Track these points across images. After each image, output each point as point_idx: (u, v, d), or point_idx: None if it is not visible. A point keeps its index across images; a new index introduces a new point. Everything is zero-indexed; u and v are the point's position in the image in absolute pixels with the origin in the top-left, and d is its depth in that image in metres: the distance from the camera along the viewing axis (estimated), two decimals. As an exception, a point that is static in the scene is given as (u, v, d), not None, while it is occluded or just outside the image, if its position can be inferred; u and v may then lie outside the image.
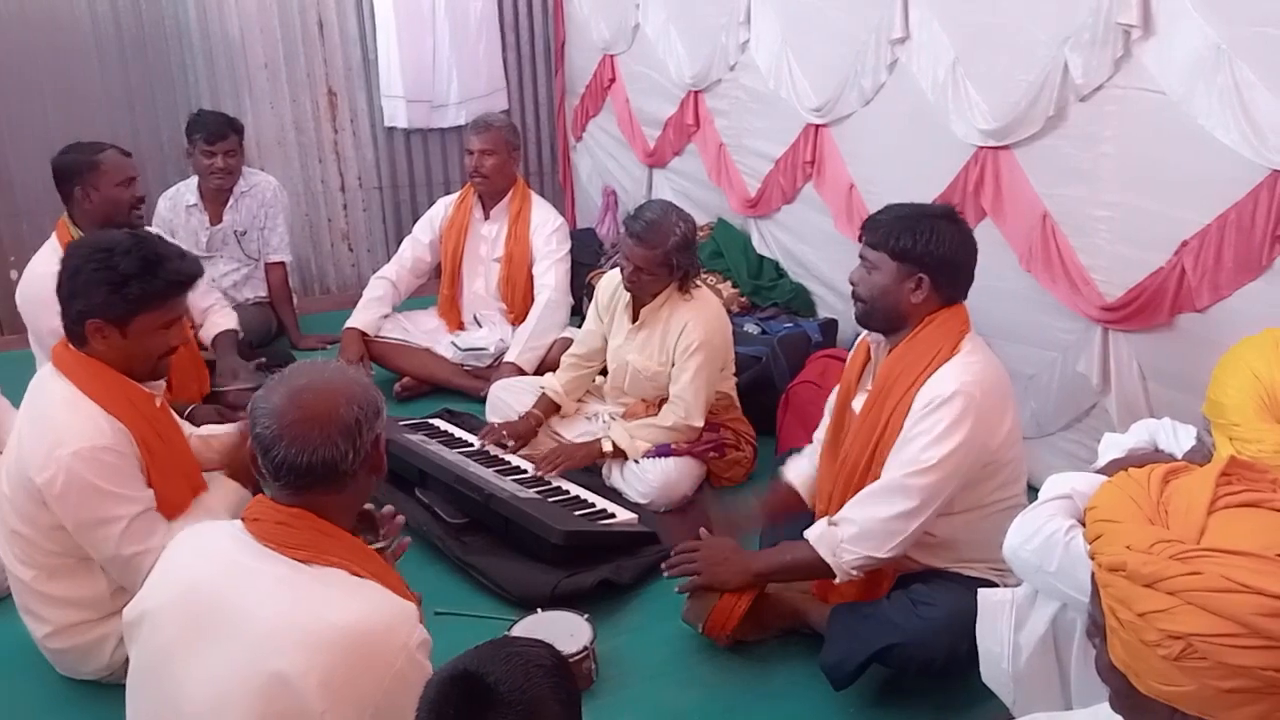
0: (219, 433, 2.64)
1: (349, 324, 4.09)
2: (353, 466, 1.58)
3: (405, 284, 4.23)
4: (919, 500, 2.16)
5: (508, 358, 3.94)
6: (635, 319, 3.29)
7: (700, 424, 3.19)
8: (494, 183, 4.05)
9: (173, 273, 2.26)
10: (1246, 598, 1.00)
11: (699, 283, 3.29)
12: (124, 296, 2.19)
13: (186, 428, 2.56)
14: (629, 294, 3.27)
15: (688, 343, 3.14)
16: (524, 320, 4.08)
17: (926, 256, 2.20)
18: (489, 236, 4.16)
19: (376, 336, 4.11)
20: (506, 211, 4.11)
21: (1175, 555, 1.05)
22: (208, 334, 3.69)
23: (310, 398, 1.57)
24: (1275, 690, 1.00)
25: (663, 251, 3.07)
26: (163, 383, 2.43)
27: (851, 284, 2.35)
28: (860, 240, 2.33)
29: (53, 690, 2.41)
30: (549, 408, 3.40)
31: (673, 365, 3.20)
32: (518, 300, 4.14)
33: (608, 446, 3.19)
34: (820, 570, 2.26)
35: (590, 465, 3.27)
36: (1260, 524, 1.07)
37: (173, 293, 2.28)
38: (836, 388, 2.54)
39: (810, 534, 2.29)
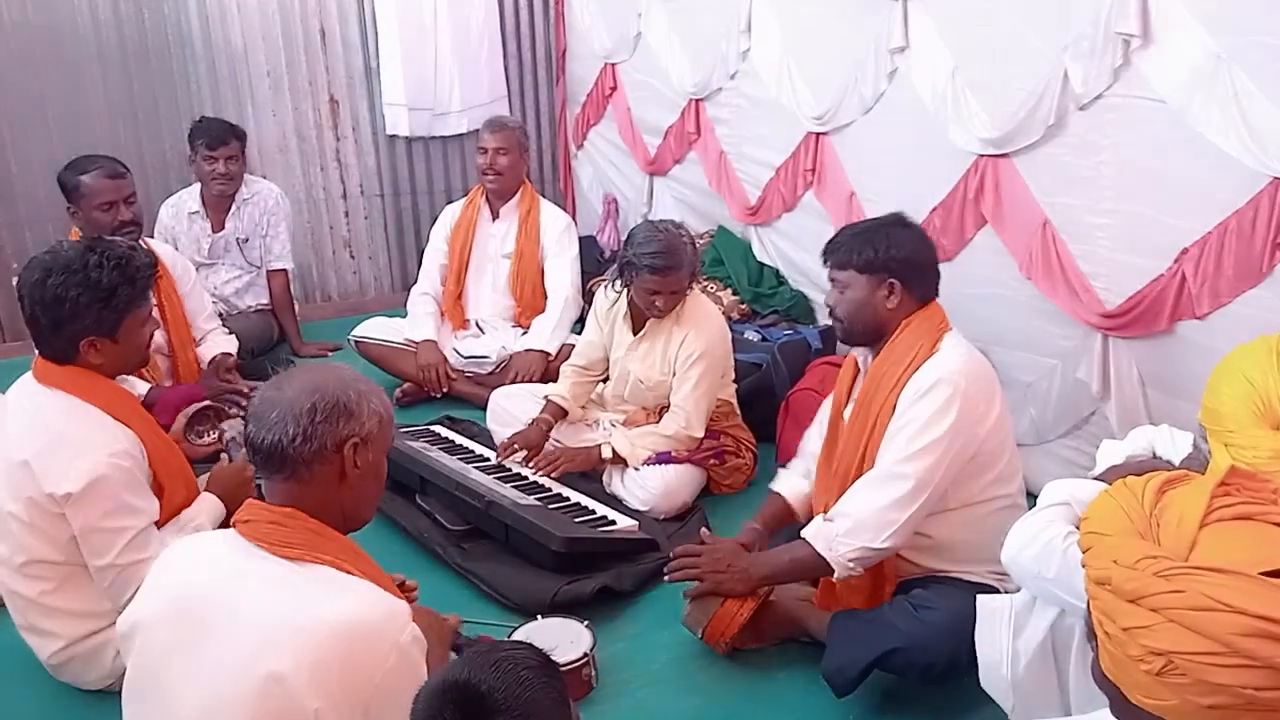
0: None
1: (422, 337, 4.09)
2: (299, 453, 1.56)
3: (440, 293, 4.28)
4: (911, 484, 2.18)
5: (532, 345, 3.97)
6: (635, 331, 3.30)
7: (700, 433, 3.20)
8: (506, 181, 4.10)
9: (144, 268, 2.30)
10: (1227, 617, 1.00)
11: (699, 290, 3.30)
12: (114, 308, 2.22)
13: None
14: (628, 306, 3.30)
15: (689, 352, 3.16)
16: (530, 320, 4.13)
17: (891, 262, 2.29)
18: (498, 235, 4.20)
19: (378, 341, 4.12)
20: (516, 211, 4.17)
21: (1159, 572, 1.05)
22: (205, 354, 3.61)
23: (286, 382, 1.61)
24: (1255, 708, 1.01)
25: (688, 268, 3.13)
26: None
27: (829, 307, 2.42)
28: (826, 265, 2.40)
29: (51, 700, 2.40)
30: (556, 413, 3.40)
31: (674, 375, 3.21)
32: (527, 295, 4.17)
33: (608, 453, 3.20)
34: (819, 567, 2.27)
35: (590, 472, 3.28)
36: (1252, 538, 1.07)
37: (149, 286, 2.33)
38: (832, 393, 2.56)
39: (807, 532, 2.30)
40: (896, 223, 2.37)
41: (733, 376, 3.42)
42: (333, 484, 1.61)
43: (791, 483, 2.68)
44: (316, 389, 1.59)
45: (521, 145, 4.13)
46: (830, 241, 2.41)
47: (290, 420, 1.56)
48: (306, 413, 1.56)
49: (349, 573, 1.57)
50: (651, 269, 3.08)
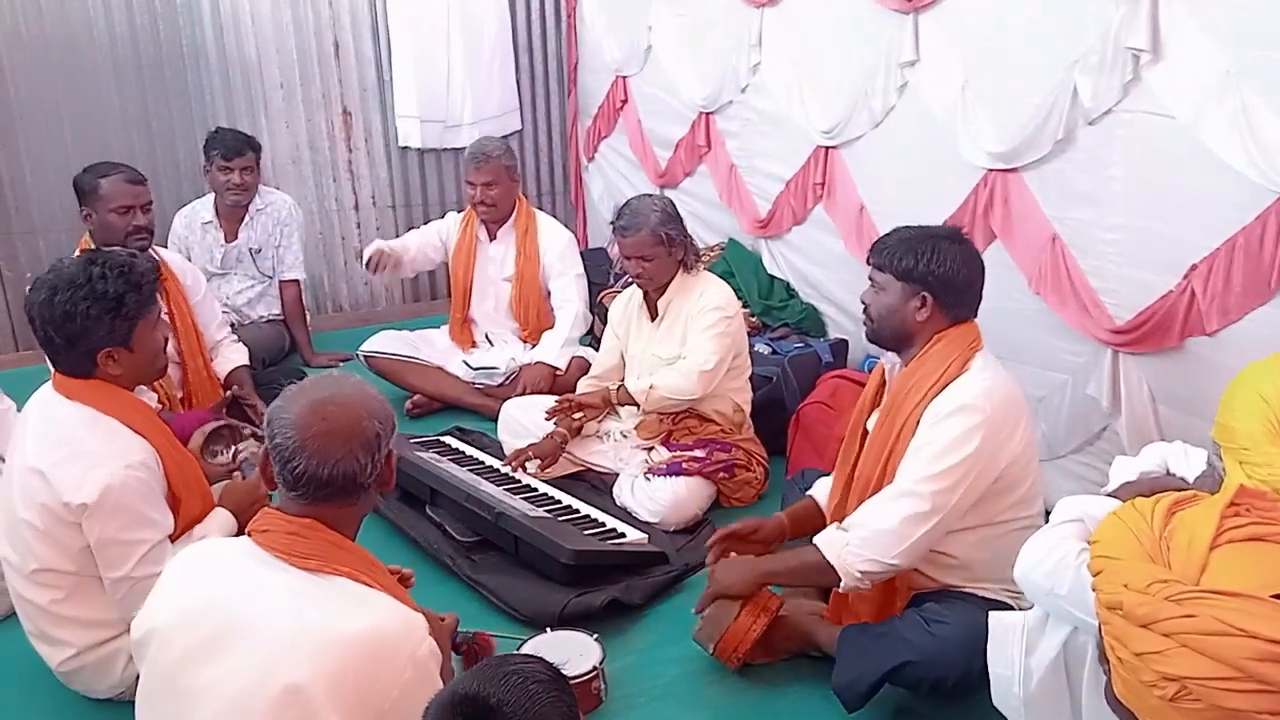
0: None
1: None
2: (370, 479, 1.63)
3: (410, 260, 4.28)
4: (929, 505, 2.17)
5: (542, 358, 3.98)
6: (653, 316, 3.35)
7: (710, 368, 3.20)
8: (500, 210, 4.10)
9: (148, 273, 2.30)
10: (1239, 641, 1.00)
11: (702, 264, 3.40)
12: (124, 316, 2.23)
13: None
14: (643, 294, 3.36)
15: (703, 304, 3.24)
16: (538, 337, 4.13)
17: (929, 276, 2.26)
18: (497, 257, 4.19)
19: (388, 355, 4.13)
20: (513, 231, 4.14)
21: (1170, 597, 1.05)
22: (221, 369, 3.66)
23: (334, 410, 1.61)
24: None
25: (649, 230, 3.20)
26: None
27: (863, 304, 2.42)
28: (869, 263, 2.39)
29: (61, 708, 2.40)
30: (570, 427, 3.40)
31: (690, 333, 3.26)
32: (531, 318, 4.17)
33: (613, 386, 3.33)
34: (827, 575, 2.26)
35: (600, 484, 3.30)
36: (1262, 560, 1.07)
37: (155, 290, 2.33)
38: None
39: (819, 538, 2.30)
40: (948, 237, 2.32)
41: (749, 371, 3.43)
42: (374, 494, 1.68)
43: (827, 488, 2.64)
44: (370, 413, 1.63)
45: (509, 170, 4.06)
46: (880, 239, 2.40)
47: (361, 451, 1.60)
48: (374, 441, 1.62)
49: (366, 584, 1.59)
50: (615, 231, 3.28)
